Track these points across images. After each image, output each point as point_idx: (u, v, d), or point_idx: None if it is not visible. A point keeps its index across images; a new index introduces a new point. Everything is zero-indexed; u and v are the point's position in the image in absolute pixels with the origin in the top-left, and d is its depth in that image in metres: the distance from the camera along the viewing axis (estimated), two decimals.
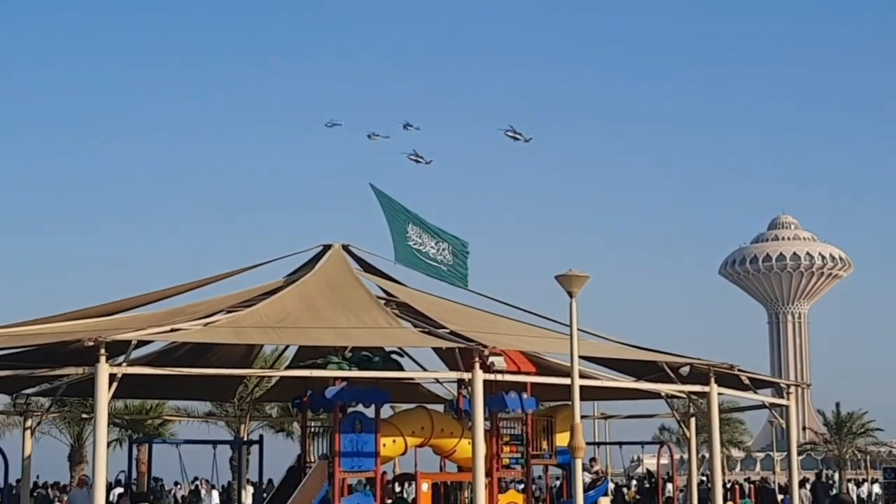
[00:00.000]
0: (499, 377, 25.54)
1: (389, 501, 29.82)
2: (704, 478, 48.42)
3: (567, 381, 24.04)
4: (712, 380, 28.81)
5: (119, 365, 23.33)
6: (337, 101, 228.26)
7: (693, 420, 34.46)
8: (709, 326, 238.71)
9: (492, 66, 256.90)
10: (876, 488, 67.36)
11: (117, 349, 23.84)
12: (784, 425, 34.25)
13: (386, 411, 28.60)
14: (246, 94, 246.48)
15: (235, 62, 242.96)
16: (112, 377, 22.70)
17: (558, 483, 37.14)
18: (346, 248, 31.38)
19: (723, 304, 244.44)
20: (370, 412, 26.94)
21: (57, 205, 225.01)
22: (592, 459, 33.67)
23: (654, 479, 40.59)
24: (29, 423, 31.82)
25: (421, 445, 28.59)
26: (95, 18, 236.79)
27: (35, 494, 41.80)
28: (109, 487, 34.18)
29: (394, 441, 27.43)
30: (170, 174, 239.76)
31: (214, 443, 34.86)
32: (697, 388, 29.39)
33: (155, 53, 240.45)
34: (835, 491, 59.63)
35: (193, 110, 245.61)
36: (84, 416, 42.09)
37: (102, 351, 22.59)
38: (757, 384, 31.92)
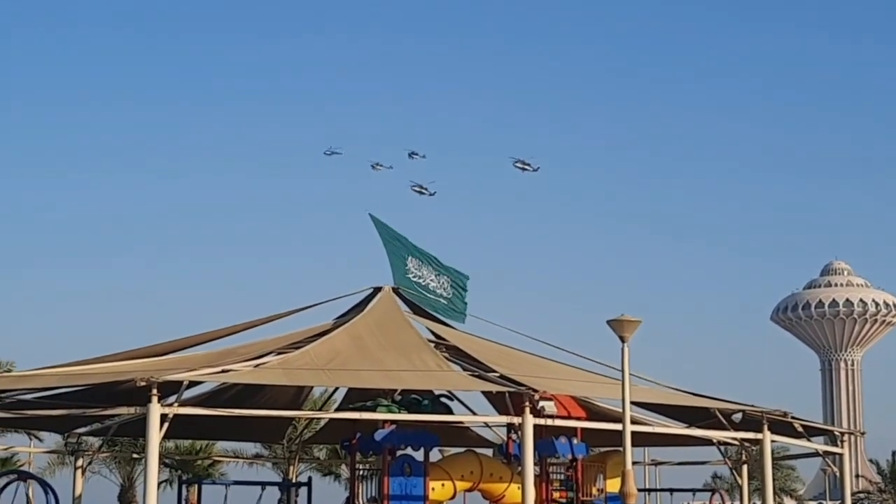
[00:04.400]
0: (549, 422, 25.40)
1: None
2: None
3: (618, 426, 23.85)
4: (765, 427, 28.51)
5: (170, 405, 23.46)
6: (340, 132, 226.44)
7: (745, 467, 34.05)
8: (760, 373, 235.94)
9: (501, 91, 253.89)
10: None
11: (169, 389, 23.98)
12: (838, 473, 33.79)
13: (435, 455, 28.50)
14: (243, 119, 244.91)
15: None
16: (163, 417, 22.84)
17: None
18: (395, 290, 31.44)
19: (775, 351, 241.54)
20: (419, 455, 26.88)
21: (111, 243, 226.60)
22: None
23: None
24: (80, 462, 32.08)
25: (470, 489, 28.46)
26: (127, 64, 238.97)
27: None
28: None
29: (443, 485, 27.33)
30: (207, 212, 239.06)
31: (263, 484, 34.72)
32: (750, 434, 29.08)
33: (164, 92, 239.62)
34: None
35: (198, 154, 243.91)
36: (135, 455, 42.21)
37: (154, 391, 22.74)
38: (810, 432, 31.56)
